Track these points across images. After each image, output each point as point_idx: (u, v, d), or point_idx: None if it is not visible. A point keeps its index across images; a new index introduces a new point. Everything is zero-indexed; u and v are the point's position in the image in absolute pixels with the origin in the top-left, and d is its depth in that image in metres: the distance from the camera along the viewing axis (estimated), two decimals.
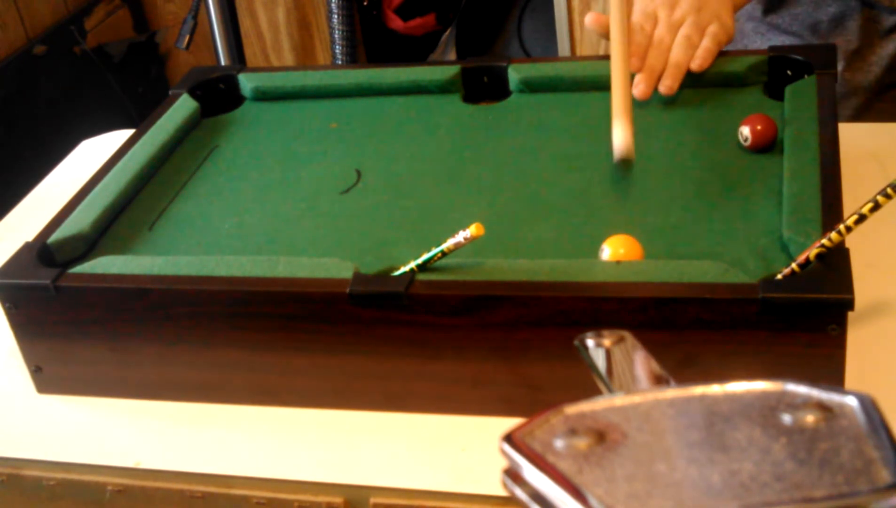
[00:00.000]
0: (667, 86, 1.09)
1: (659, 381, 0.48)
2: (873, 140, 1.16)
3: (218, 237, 0.99)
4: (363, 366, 0.88)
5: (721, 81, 1.11)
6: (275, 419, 0.91)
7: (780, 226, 0.87)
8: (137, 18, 2.76)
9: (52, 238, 0.96)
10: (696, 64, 1.10)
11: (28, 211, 1.27)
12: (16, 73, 2.33)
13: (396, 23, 2.62)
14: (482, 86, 1.18)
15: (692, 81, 1.11)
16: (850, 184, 0.92)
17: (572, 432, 0.40)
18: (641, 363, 0.50)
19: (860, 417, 0.39)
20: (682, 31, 1.11)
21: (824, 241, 0.79)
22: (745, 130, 0.99)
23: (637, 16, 1.14)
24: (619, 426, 0.40)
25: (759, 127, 0.99)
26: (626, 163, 1.00)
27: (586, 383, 0.51)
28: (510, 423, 0.41)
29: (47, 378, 0.96)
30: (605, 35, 1.13)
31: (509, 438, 0.40)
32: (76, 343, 0.93)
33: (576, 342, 0.53)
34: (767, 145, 0.99)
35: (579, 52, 2.41)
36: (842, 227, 0.78)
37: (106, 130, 1.43)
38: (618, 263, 0.84)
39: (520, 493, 0.39)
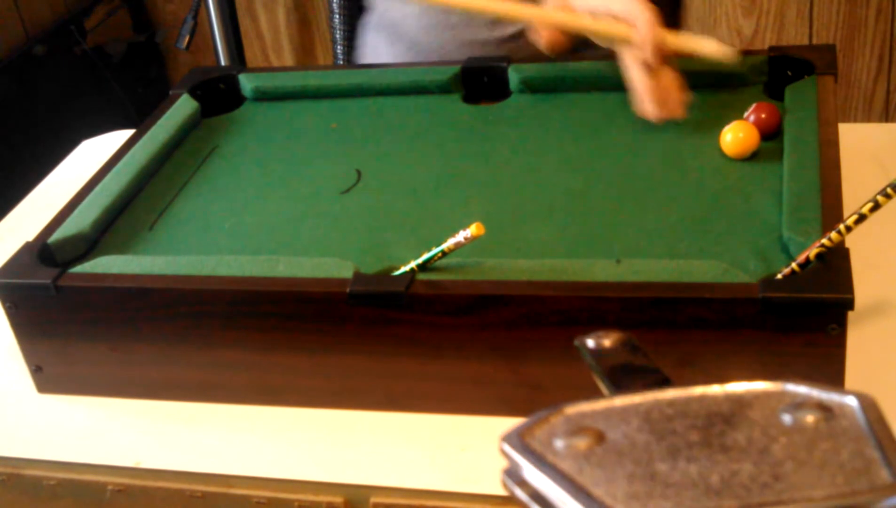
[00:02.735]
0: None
1: (658, 381, 0.48)
2: (873, 140, 1.16)
3: (218, 237, 0.99)
4: (363, 366, 0.88)
5: (721, 81, 1.11)
6: (275, 419, 0.91)
7: (780, 226, 0.87)
8: (137, 18, 2.76)
9: (53, 238, 0.96)
10: None
11: (28, 211, 1.27)
12: (16, 73, 2.33)
13: None
14: (482, 86, 1.18)
15: (693, 81, 1.11)
16: (850, 184, 0.92)
17: (572, 432, 0.40)
18: (641, 362, 0.50)
19: (860, 417, 0.39)
20: None
21: (824, 241, 0.79)
22: (751, 109, 1.02)
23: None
24: (620, 426, 0.40)
25: (763, 115, 1.00)
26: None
27: (586, 383, 0.50)
28: (510, 423, 0.41)
29: (47, 378, 0.96)
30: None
31: (509, 438, 0.40)
32: (76, 343, 0.93)
33: (576, 342, 0.53)
34: (763, 131, 1.00)
35: None
36: (842, 227, 0.78)
37: (106, 130, 1.43)
38: (618, 262, 0.84)
39: (520, 493, 0.39)
